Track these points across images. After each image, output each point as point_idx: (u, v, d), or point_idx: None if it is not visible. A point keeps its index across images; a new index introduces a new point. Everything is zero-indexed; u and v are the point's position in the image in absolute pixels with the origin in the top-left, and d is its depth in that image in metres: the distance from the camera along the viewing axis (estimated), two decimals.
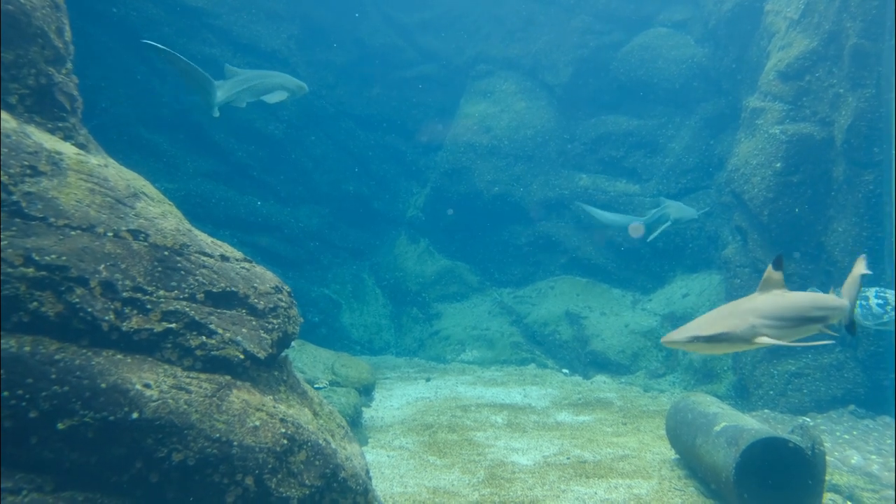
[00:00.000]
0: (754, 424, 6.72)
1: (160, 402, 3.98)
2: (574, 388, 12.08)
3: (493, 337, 14.42)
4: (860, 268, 5.62)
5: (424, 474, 7.68)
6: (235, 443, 4.17)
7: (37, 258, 3.89)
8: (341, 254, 16.23)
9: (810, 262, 10.48)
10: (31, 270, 3.86)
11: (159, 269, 4.38)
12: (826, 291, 6.25)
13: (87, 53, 12.06)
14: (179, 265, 4.50)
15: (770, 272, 4.95)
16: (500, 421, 9.93)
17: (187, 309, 4.36)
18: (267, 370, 4.69)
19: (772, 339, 4.54)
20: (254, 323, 4.69)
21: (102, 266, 4.11)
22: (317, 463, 4.54)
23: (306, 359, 10.22)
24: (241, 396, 4.34)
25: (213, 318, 4.46)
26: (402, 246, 16.52)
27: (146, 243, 4.43)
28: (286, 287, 5.18)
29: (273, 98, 11.31)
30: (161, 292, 4.31)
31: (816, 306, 5.06)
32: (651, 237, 12.79)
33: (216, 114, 10.55)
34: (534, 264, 15.64)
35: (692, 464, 7.46)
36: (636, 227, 12.90)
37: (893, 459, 7.66)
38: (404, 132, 17.24)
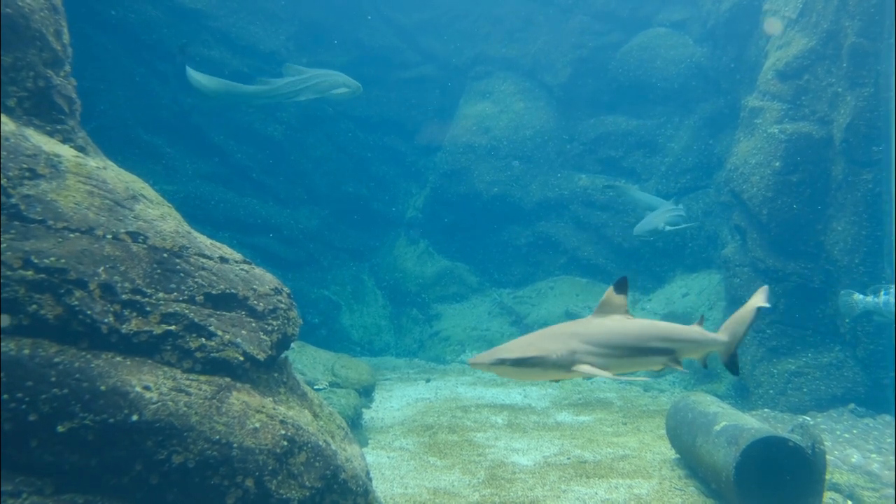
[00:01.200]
0: (754, 424, 6.72)
1: (160, 404, 3.97)
2: (574, 388, 12.08)
3: (493, 337, 14.41)
4: (758, 299, 4.95)
5: (425, 475, 7.68)
6: (235, 445, 4.17)
7: (36, 261, 3.89)
8: (341, 255, 16.23)
9: (809, 262, 10.47)
10: (30, 273, 3.86)
11: (158, 271, 4.38)
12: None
13: (86, 56, 12.04)
14: (179, 267, 4.49)
15: (610, 294, 4.40)
16: (500, 421, 9.93)
17: (187, 311, 4.36)
18: (267, 372, 4.69)
19: (594, 370, 4.03)
20: (253, 325, 4.69)
21: (101, 268, 4.11)
22: (317, 464, 4.53)
23: (306, 360, 10.21)
24: (241, 398, 4.34)
25: (212, 320, 4.46)
26: (401, 247, 16.52)
27: (145, 245, 4.43)
28: (286, 288, 5.18)
29: (332, 94, 12.18)
30: (160, 294, 4.31)
31: (660, 337, 4.48)
32: (648, 235, 12.11)
33: (254, 104, 12.01)
34: (533, 264, 15.64)
35: (692, 463, 7.46)
36: (652, 220, 11.92)
37: (894, 458, 7.66)
38: (404, 133, 17.24)
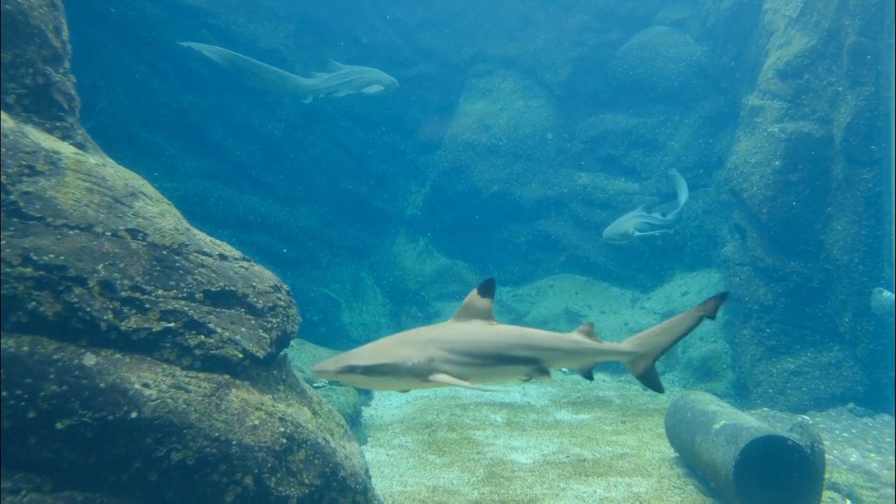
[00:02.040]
0: (753, 423, 6.72)
1: (159, 401, 3.97)
2: (573, 386, 12.09)
3: None
4: (705, 309, 4.52)
5: (424, 473, 7.68)
6: (234, 442, 4.16)
7: (35, 258, 3.88)
8: (340, 253, 16.21)
9: (809, 261, 10.47)
10: (29, 270, 3.85)
11: (158, 268, 4.38)
12: None
13: (85, 53, 12.04)
14: (178, 264, 4.49)
15: (473, 298, 4.10)
16: (499, 419, 9.93)
17: (186, 308, 4.35)
18: (266, 369, 4.69)
19: (451, 379, 3.70)
20: (253, 322, 4.68)
21: (101, 265, 4.11)
22: (316, 462, 4.53)
23: (306, 358, 10.22)
24: (240, 395, 4.34)
25: (211, 317, 4.46)
26: (401, 245, 16.51)
27: (145, 242, 4.42)
28: (285, 286, 5.17)
29: (370, 90, 12.62)
30: (160, 291, 4.31)
31: (524, 345, 4.13)
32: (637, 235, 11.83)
33: (308, 100, 12.37)
34: (533, 263, 15.64)
35: (691, 462, 7.46)
36: (622, 225, 11.69)
37: (892, 457, 7.67)
38: (403, 131, 17.22)
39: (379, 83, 12.76)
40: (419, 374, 3.67)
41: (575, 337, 4.40)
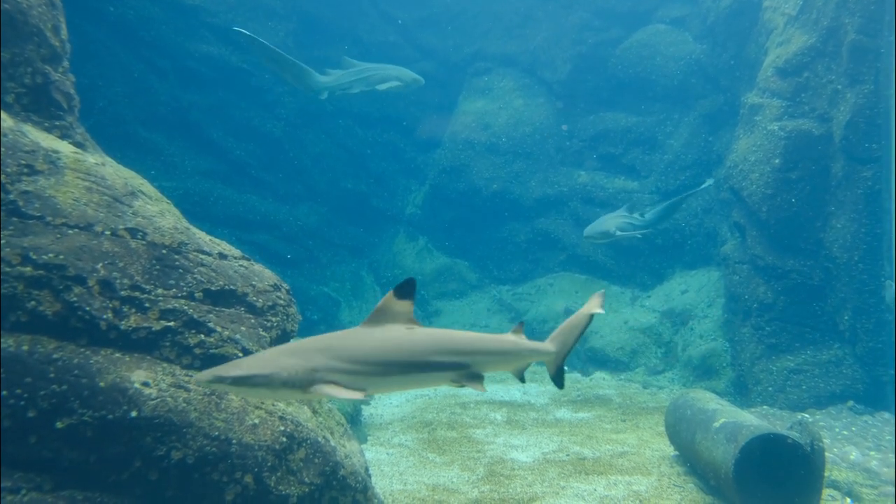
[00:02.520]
0: (753, 421, 6.72)
1: (159, 400, 3.97)
2: (573, 384, 12.09)
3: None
4: (594, 305, 4.45)
5: (424, 471, 7.68)
6: (234, 441, 4.17)
7: (34, 257, 3.88)
8: (340, 252, 16.21)
9: (809, 259, 10.47)
10: (28, 269, 3.85)
11: (157, 267, 4.38)
12: None
13: (84, 52, 12.02)
14: (178, 263, 4.49)
15: (389, 300, 3.74)
16: (499, 418, 9.93)
17: (186, 307, 4.36)
18: None
19: (336, 391, 3.39)
20: (252, 321, 4.69)
21: (100, 265, 4.11)
22: (316, 461, 4.53)
23: None
24: None
25: (211, 316, 4.46)
26: (400, 243, 16.50)
27: (144, 242, 4.42)
28: (285, 285, 5.18)
29: (384, 86, 12.62)
30: (159, 291, 4.31)
31: (445, 350, 3.81)
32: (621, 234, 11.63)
33: (324, 96, 12.46)
34: (532, 261, 15.63)
35: (691, 460, 7.46)
36: (604, 223, 11.48)
37: (892, 455, 7.67)
38: (403, 130, 17.21)
39: (399, 80, 12.83)
40: (297, 385, 3.39)
41: (508, 337, 4.17)
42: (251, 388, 3.38)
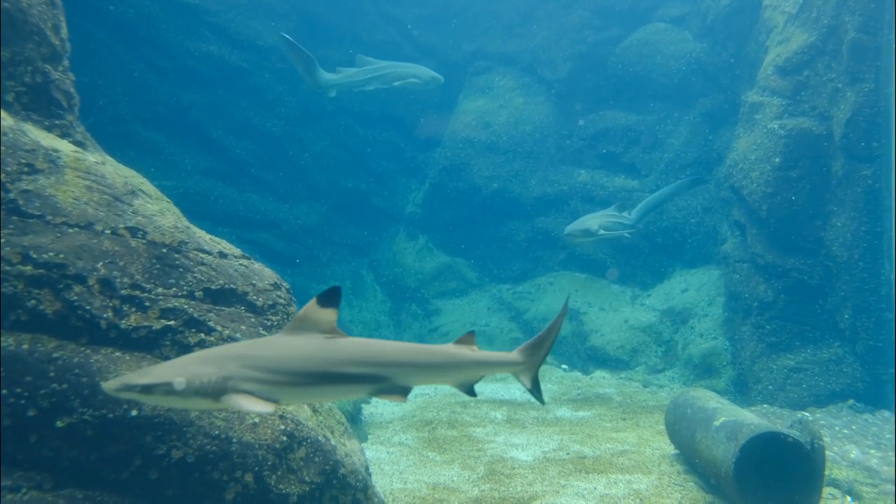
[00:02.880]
0: (754, 419, 6.72)
1: None
2: (573, 383, 12.09)
3: (493, 333, 14.41)
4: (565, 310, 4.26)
5: (424, 470, 7.68)
6: (235, 440, 4.17)
7: (34, 256, 3.88)
8: (340, 250, 16.21)
9: (809, 257, 10.47)
10: (28, 268, 3.85)
11: (157, 266, 4.38)
12: None
13: (85, 51, 12.02)
14: (178, 262, 4.49)
15: (311, 308, 3.59)
16: (499, 417, 9.93)
17: (186, 306, 4.36)
18: None
19: (248, 403, 3.25)
20: (252, 320, 4.69)
21: (101, 264, 4.11)
22: (316, 459, 4.54)
23: None
24: None
25: (211, 315, 4.46)
26: (400, 242, 16.50)
27: (144, 241, 4.42)
28: (285, 284, 5.18)
29: (400, 84, 12.83)
30: (159, 290, 4.31)
31: (362, 361, 3.65)
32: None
33: (332, 93, 12.67)
34: (533, 260, 15.63)
35: (692, 459, 7.46)
36: (586, 222, 11.29)
37: (893, 454, 7.67)
38: (403, 128, 17.20)
39: (417, 77, 12.94)
40: (209, 394, 3.25)
41: (445, 349, 3.92)
42: (161, 397, 3.26)
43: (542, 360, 4.17)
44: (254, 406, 3.27)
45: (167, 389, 3.22)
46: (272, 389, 3.37)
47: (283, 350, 3.50)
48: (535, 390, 4.22)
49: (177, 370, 3.28)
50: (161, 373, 3.27)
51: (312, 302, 3.59)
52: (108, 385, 3.25)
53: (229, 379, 3.28)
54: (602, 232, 11.15)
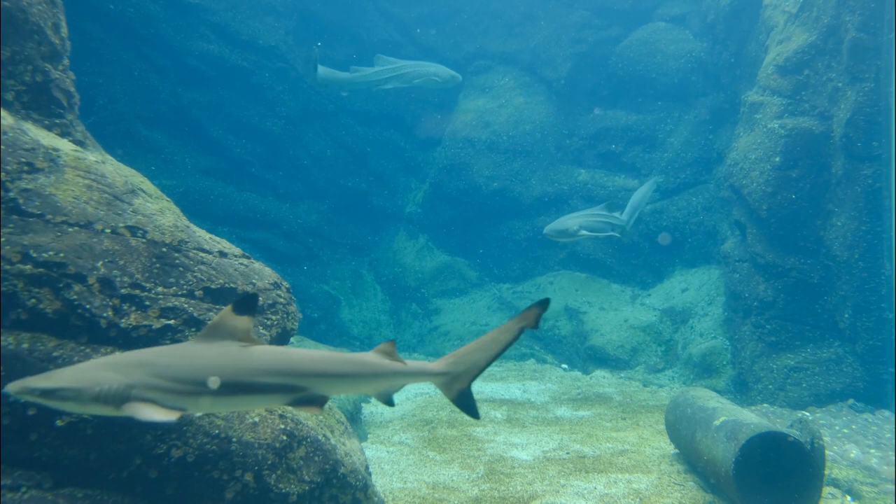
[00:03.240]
0: (753, 419, 6.72)
1: None
2: (573, 383, 12.09)
3: None
4: (525, 319, 3.86)
5: (424, 470, 7.68)
6: (234, 439, 4.17)
7: (34, 255, 3.88)
8: (340, 250, 16.21)
9: (809, 257, 10.47)
10: (28, 267, 3.85)
11: (157, 265, 4.38)
12: None
13: (85, 50, 12.03)
14: (178, 261, 4.49)
15: (226, 315, 3.48)
16: (499, 416, 9.93)
17: (186, 305, 4.35)
18: None
19: (150, 411, 3.14)
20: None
21: (100, 263, 4.11)
22: (316, 459, 4.54)
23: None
24: None
25: (211, 314, 4.45)
26: (400, 241, 16.50)
27: (144, 240, 4.42)
28: (285, 283, 5.18)
29: (420, 82, 13.10)
30: (159, 289, 4.31)
31: (276, 371, 3.51)
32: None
33: (345, 93, 13.49)
34: (533, 259, 15.63)
35: (691, 458, 7.47)
36: (566, 222, 10.99)
37: (893, 453, 7.67)
38: (403, 128, 17.21)
39: (437, 76, 13.10)
40: (109, 401, 3.16)
41: (365, 357, 3.77)
42: (60, 402, 3.17)
43: (474, 372, 3.88)
44: (154, 415, 3.16)
45: (65, 395, 3.13)
46: (178, 399, 3.27)
47: (192, 358, 3.40)
48: (462, 404, 3.91)
49: (79, 376, 3.19)
50: (63, 377, 3.18)
51: (228, 309, 3.50)
52: (11, 387, 3.15)
53: (133, 387, 3.19)
54: (583, 232, 10.89)
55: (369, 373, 3.75)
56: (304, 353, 3.77)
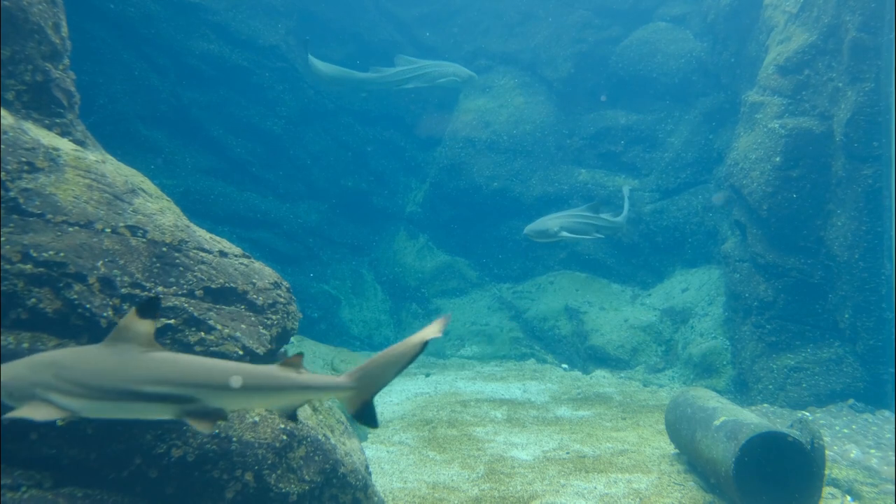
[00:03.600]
0: (754, 419, 6.72)
1: None
2: (573, 383, 12.09)
3: (493, 332, 14.42)
4: (430, 330, 3.67)
5: (424, 469, 7.68)
6: (235, 439, 4.17)
7: (35, 254, 3.88)
8: (340, 249, 16.22)
9: (809, 257, 10.46)
10: (28, 267, 3.85)
11: (158, 265, 4.38)
12: None
13: (85, 49, 12.03)
14: (178, 261, 4.49)
15: (131, 318, 3.38)
16: (499, 416, 9.94)
17: (186, 305, 4.36)
18: None
19: (48, 411, 3.16)
20: (253, 319, 4.69)
21: (101, 262, 4.11)
22: (316, 459, 4.54)
23: (306, 354, 10.21)
24: None
25: (211, 313, 4.46)
26: (401, 241, 16.50)
27: (144, 239, 4.42)
28: (285, 283, 5.18)
29: (442, 82, 13.49)
30: (159, 288, 4.31)
31: (165, 380, 3.36)
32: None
33: (363, 94, 14.17)
34: (533, 259, 15.63)
35: (692, 458, 7.47)
36: (546, 222, 10.83)
37: (893, 453, 7.67)
38: (403, 127, 17.22)
39: (456, 76, 13.36)
40: (16, 398, 3.20)
41: (269, 370, 3.59)
42: None
43: (379, 386, 3.73)
44: (35, 414, 3.15)
45: None
46: (73, 401, 3.25)
47: (88, 363, 3.34)
48: (363, 417, 3.72)
49: (10, 372, 3.24)
50: (3, 372, 3.24)
51: (132, 312, 3.41)
52: None
53: (37, 386, 3.21)
54: (564, 234, 10.75)
55: (270, 386, 3.58)
56: (201, 363, 3.59)
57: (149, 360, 3.40)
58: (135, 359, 3.37)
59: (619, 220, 11.56)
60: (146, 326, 3.41)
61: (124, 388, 3.32)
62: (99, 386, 3.29)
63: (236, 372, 3.52)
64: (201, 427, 3.42)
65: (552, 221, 10.89)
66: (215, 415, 3.45)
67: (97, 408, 3.34)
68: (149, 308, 3.44)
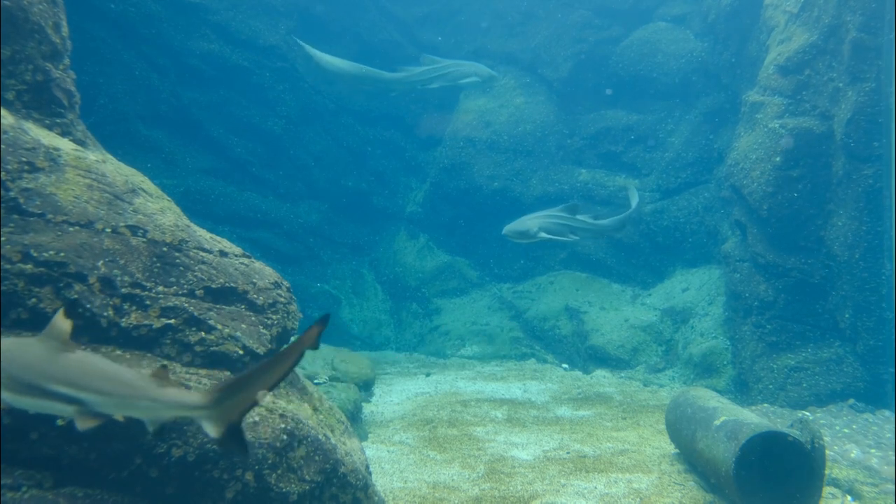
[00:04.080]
0: (754, 419, 6.72)
1: None
2: (574, 382, 12.09)
3: (493, 332, 14.42)
4: (306, 339, 3.42)
5: (424, 469, 7.68)
6: None
7: (35, 254, 3.88)
8: (341, 249, 16.22)
9: (810, 257, 10.46)
10: (29, 267, 3.86)
11: (158, 264, 4.38)
12: None
13: (85, 49, 12.03)
14: (178, 261, 4.49)
15: (59, 318, 3.32)
16: (499, 416, 9.94)
17: (186, 305, 4.36)
18: None
19: None
20: (253, 318, 4.69)
21: (101, 262, 4.11)
22: (317, 458, 4.54)
23: (306, 354, 10.22)
24: None
25: (212, 313, 4.46)
26: (401, 241, 16.50)
27: (145, 239, 4.42)
28: (285, 282, 5.18)
29: (465, 81, 13.73)
30: (160, 288, 4.31)
31: (62, 379, 3.27)
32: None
33: (393, 94, 14.26)
34: (533, 259, 15.63)
35: (692, 458, 7.47)
36: (526, 223, 10.69)
37: (893, 453, 7.67)
38: (404, 127, 17.21)
39: (478, 75, 13.52)
40: None
41: (133, 379, 3.37)
42: None
43: (249, 404, 3.39)
44: None
45: None
46: (7, 395, 3.21)
47: (14, 354, 3.27)
48: (230, 441, 3.36)
49: None
50: None
51: (61, 314, 3.36)
52: None
53: None
54: (542, 234, 10.62)
55: (125, 394, 3.34)
56: (88, 365, 3.39)
57: (63, 358, 3.32)
58: (51, 355, 3.30)
59: (603, 222, 11.33)
60: (68, 325, 3.33)
61: (35, 384, 3.26)
62: (19, 380, 3.23)
63: (106, 377, 3.35)
64: (80, 424, 3.28)
65: (531, 221, 10.75)
66: (94, 417, 3.32)
67: (19, 400, 3.29)
68: (69, 308, 3.47)
